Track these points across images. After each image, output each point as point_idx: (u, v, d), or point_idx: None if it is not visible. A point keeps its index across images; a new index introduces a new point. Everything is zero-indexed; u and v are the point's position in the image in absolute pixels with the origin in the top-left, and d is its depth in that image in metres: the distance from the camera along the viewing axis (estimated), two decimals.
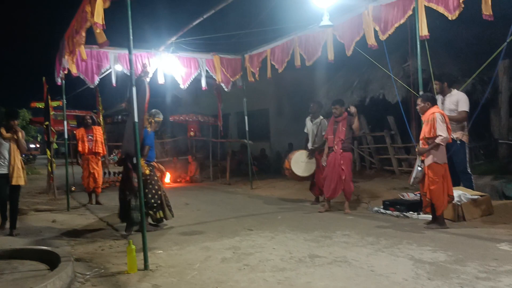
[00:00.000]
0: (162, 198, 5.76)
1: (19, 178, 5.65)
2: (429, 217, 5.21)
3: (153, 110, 6.15)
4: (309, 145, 7.29)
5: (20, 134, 5.71)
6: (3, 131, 5.61)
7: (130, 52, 4.07)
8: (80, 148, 8.07)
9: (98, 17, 4.45)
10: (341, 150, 6.37)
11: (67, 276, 3.51)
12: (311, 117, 7.33)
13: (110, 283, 3.57)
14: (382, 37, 6.16)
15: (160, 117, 6.13)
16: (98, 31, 4.81)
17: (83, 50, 6.44)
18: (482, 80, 8.44)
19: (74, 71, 7.34)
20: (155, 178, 5.76)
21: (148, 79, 5.45)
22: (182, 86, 9.21)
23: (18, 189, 5.75)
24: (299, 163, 7.15)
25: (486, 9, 4.73)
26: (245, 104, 10.14)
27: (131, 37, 4.00)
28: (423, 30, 5.54)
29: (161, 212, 5.74)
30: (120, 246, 4.81)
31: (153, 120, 6.03)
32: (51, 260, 3.88)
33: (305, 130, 7.45)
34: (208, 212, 6.90)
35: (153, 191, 5.64)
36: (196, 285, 3.39)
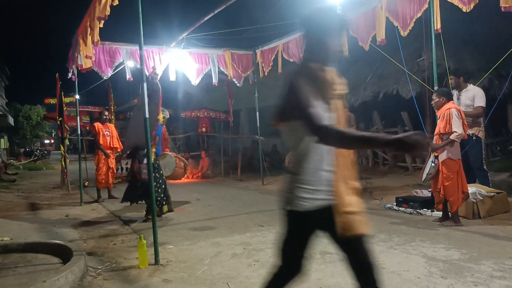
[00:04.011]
0: (166, 192, 5.92)
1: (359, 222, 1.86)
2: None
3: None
4: None
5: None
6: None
7: (140, 48, 4.08)
8: (101, 142, 7.99)
9: (104, 11, 4.50)
10: None
11: (79, 270, 3.55)
12: None
13: (121, 277, 3.59)
14: (404, 33, 6.02)
15: (164, 114, 6.40)
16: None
17: (90, 47, 6.43)
18: (499, 75, 8.24)
19: (86, 66, 7.33)
20: (161, 172, 5.92)
21: (157, 80, 5.67)
22: (193, 83, 9.21)
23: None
24: None
25: (506, 1, 4.58)
26: (256, 100, 10.10)
27: (142, 33, 4.01)
28: (437, 23, 5.43)
29: (166, 206, 5.93)
30: (131, 240, 4.85)
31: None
32: (64, 254, 3.93)
33: None
34: (219, 208, 6.91)
35: (158, 185, 5.76)
36: (206, 281, 3.39)
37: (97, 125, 8.12)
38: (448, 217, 4.99)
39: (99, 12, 4.56)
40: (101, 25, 4.89)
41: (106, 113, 8.50)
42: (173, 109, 16.35)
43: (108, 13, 4.57)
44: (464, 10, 5.10)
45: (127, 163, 7.71)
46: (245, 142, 14.31)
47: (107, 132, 8.15)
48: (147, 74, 6.39)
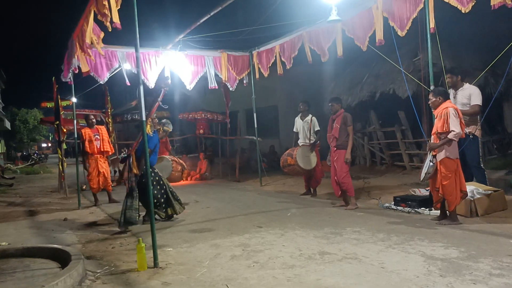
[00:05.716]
0: (168, 195, 5.94)
1: None
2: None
3: (165, 120, 6.65)
4: (300, 142, 7.73)
5: None
6: None
7: (137, 51, 4.07)
8: (88, 149, 7.80)
9: (116, 17, 4.49)
10: (335, 148, 6.41)
11: (78, 274, 3.54)
12: (301, 116, 7.77)
13: (120, 280, 3.59)
14: (402, 34, 6.03)
15: (168, 127, 6.52)
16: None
17: (99, 48, 6.36)
18: (495, 73, 8.29)
19: (85, 70, 7.27)
20: (157, 178, 5.94)
21: (166, 89, 5.71)
22: (188, 87, 9.15)
23: None
24: (304, 157, 7.50)
25: None
26: (253, 101, 10.09)
27: (138, 36, 4.00)
28: (431, 22, 5.45)
29: (170, 209, 5.97)
30: (130, 244, 4.84)
31: (161, 128, 6.43)
32: (62, 258, 3.92)
33: (294, 129, 7.91)
34: (218, 209, 6.90)
35: (155, 192, 5.79)
36: (206, 283, 3.39)
37: (85, 131, 7.90)
38: (446, 216, 5.00)
39: (115, 18, 4.53)
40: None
41: (92, 116, 8.26)
42: (170, 111, 16.36)
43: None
44: (463, 11, 5.11)
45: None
46: (243, 143, 14.30)
47: (96, 136, 7.92)
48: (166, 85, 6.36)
